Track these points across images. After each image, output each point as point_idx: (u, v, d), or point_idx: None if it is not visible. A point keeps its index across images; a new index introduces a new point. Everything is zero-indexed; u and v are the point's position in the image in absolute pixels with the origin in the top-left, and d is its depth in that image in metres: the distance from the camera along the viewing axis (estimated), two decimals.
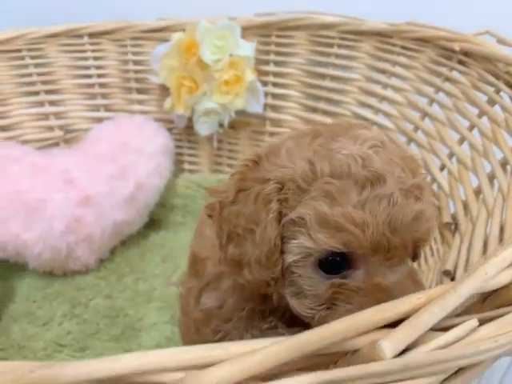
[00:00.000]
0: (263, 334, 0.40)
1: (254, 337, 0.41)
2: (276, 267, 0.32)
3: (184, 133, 0.88)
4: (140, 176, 0.76)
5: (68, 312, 0.68)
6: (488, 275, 0.24)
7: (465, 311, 0.25)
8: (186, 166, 0.92)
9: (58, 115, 0.84)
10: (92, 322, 0.67)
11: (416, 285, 0.31)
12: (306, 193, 0.31)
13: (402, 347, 0.22)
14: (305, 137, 0.34)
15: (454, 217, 0.56)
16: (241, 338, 0.40)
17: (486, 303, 0.26)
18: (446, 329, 0.23)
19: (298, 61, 0.80)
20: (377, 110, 0.73)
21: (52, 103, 0.83)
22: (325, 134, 0.33)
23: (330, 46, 0.76)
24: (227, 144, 0.89)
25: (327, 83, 0.78)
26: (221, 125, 0.84)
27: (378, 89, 0.73)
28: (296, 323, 0.36)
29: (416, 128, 0.68)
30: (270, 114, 0.84)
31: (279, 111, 0.84)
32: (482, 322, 0.23)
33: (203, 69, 0.76)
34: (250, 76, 0.77)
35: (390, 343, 0.21)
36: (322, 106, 0.79)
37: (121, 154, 0.76)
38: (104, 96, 0.86)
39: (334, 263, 0.31)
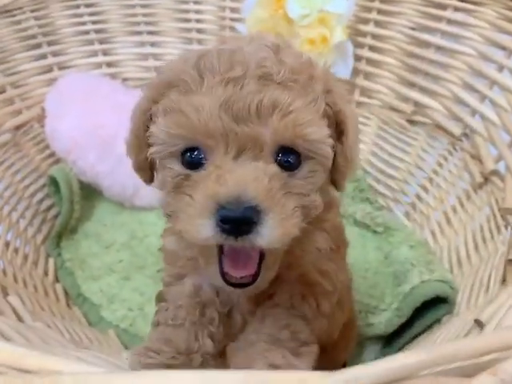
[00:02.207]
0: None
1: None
2: (141, 154, 0.34)
3: None
4: None
5: (126, 242, 0.76)
6: None
7: None
8: None
9: (156, 56, 0.87)
10: (141, 256, 0.74)
11: (256, 182, 0.28)
12: (173, 88, 0.31)
13: None
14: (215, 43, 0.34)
15: None
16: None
17: None
18: None
19: (403, 23, 0.67)
20: (483, 97, 0.59)
21: (152, 44, 0.87)
22: (230, 41, 0.33)
23: (444, 7, 0.62)
24: None
25: (431, 54, 0.65)
26: None
27: (490, 70, 0.58)
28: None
29: None
30: (362, 82, 0.74)
31: (372, 79, 0.73)
32: None
33: (290, 23, 0.69)
34: (339, 36, 0.68)
35: None
36: (419, 81, 0.66)
37: None
38: (199, 42, 0.86)
39: (194, 159, 0.31)
